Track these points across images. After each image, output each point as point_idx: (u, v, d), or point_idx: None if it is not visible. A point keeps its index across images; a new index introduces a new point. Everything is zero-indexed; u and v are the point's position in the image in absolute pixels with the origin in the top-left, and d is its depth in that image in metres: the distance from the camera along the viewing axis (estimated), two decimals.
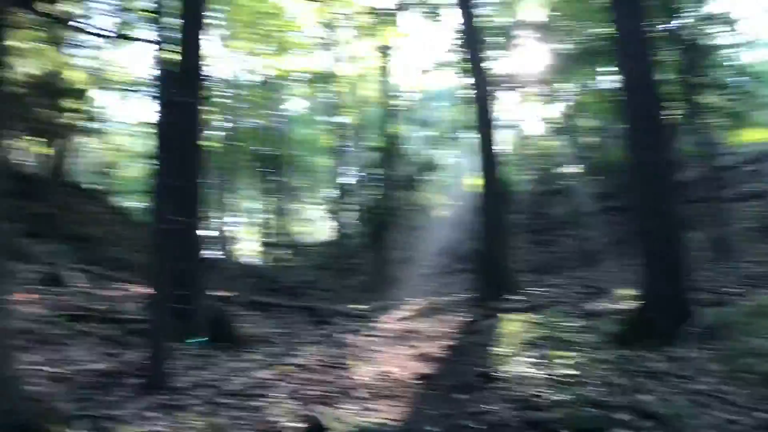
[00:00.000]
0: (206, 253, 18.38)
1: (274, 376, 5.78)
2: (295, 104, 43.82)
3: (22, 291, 8.17)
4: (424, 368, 6.46)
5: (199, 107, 7.91)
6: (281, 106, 34.66)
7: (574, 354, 5.85)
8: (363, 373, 6.12)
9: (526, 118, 28.04)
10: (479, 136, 12.36)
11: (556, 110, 27.18)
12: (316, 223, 50.06)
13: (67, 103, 16.52)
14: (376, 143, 26.03)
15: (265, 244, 28.22)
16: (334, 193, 21.57)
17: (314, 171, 39.76)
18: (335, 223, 21.77)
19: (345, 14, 24.91)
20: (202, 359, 6.35)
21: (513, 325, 7.77)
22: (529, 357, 6.03)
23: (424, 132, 40.10)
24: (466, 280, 21.78)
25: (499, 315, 9.19)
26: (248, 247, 45.96)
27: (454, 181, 35.94)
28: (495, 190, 12.01)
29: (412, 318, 11.49)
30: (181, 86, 7.58)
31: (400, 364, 6.72)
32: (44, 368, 5.09)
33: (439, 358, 6.88)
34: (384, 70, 22.43)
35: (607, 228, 21.64)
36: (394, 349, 7.60)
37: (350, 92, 32.69)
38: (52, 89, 15.24)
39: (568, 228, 24.36)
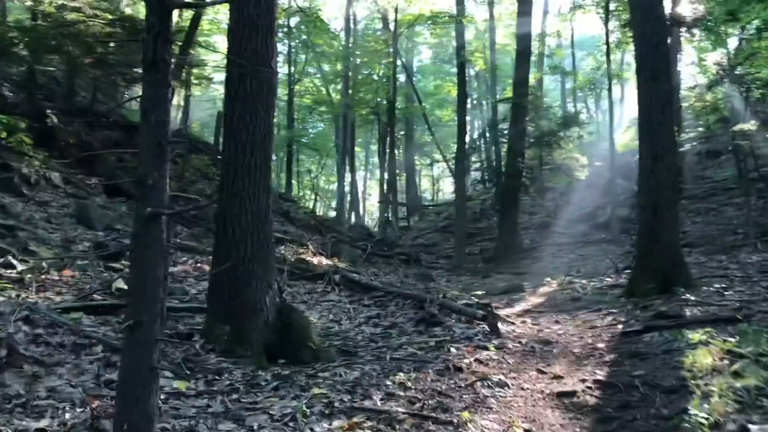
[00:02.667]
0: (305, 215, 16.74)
1: None
2: (420, 53, 41.70)
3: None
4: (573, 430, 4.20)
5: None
6: (405, 55, 32.51)
7: None
8: None
9: (685, 66, 24.29)
10: (644, 83, 9.55)
11: (723, 56, 23.17)
12: (439, 182, 47.98)
13: None
14: (509, 95, 23.28)
15: (384, 203, 26.29)
16: (461, 149, 19.12)
17: (439, 125, 37.49)
18: (460, 183, 19.40)
19: None
20: (242, 395, 4.39)
21: (702, 353, 5.24)
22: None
23: (565, 82, 36.64)
24: (607, 254, 18.95)
25: (669, 324, 6.64)
26: (365, 206, 44.80)
27: (597, 138, 32.37)
28: (663, 151, 9.21)
29: (547, 312, 9.11)
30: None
31: (532, 414, 4.47)
32: None
33: (593, 409, 4.55)
34: (521, 12, 19.46)
35: None
36: (523, 378, 5.34)
37: (482, 37, 29.87)
38: None
39: (736, 195, 20.67)
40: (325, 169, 44.29)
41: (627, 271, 14.00)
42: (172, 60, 3.36)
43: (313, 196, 47.32)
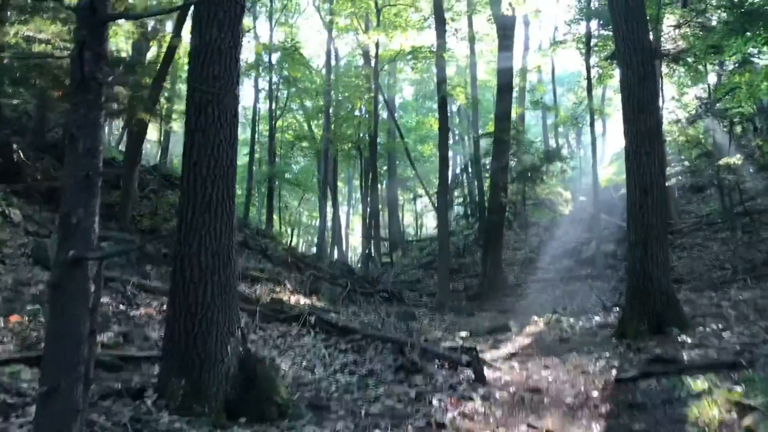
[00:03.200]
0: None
1: None
2: (401, 90, 41.73)
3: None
4: None
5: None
6: (387, 91, 32.40)
7: None
8: None
9: (667, 100, 24.27)
10: (630, 115, 9.27)
11: (703, 91, 23.21)
12: (422, 217, 47.60)
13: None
14: (491, 129, 23.08)
15: (366, 239, 25.81)
16: (443, 183, 18.71)
17: (421, 160, 37.25)
18: (443, 218, 18.96)
19: None
20: None
21: (707, 405, 4.78)
22: None
23: (546, 118, 36.65)
24: (593, 290, 18.55)
25: (667, 370, 6.19)
26: (349, 242, 44.28)
27: (579, 173, 32.28)
28: (652, 185, 8.87)
29: (535, 355, 8.62)
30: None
31: None
32: None
33: None
34: (502, 46, 19.34)
35: None
36: None
37: (463, 74, 29.85)
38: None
39: (720, 230, 20.45)
40: (308, 204, 43.84)
41: (615, 308, 13.58)
42: (106, 79, 2.92)
43: (296, 232, 46.80)
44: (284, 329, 8.94)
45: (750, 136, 20.29)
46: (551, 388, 6.32)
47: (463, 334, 9.94)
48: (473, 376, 6.40)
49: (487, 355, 8.49)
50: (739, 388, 4.99)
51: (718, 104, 18.86)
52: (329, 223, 31.50)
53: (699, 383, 5.37)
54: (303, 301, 13.29)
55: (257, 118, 31.69)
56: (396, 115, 34.21)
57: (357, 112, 29.65)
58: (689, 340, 7.47)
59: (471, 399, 5.64)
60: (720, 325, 8.27)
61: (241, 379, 4.94)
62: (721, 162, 15.13)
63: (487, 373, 6.69)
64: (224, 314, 4.97)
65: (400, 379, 6.32)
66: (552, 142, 34.93)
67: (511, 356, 8.69)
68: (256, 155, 33.18)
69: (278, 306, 10.73)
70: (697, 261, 18.89)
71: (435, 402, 5.45)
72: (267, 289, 13.09)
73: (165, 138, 27.12)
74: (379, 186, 33.49)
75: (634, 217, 9.07)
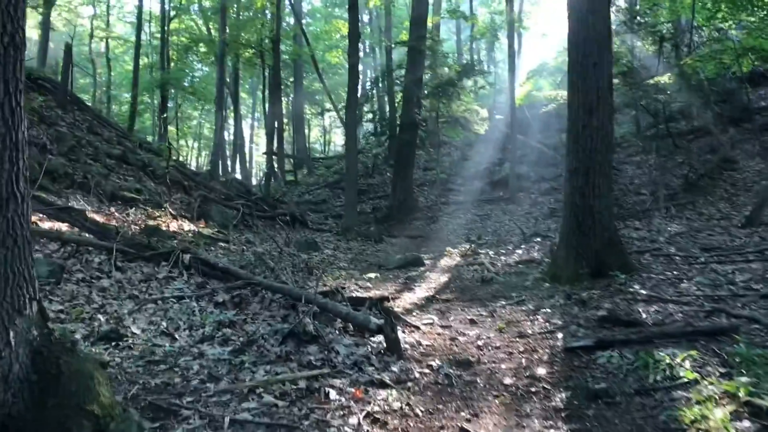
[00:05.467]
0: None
1: None
2: None
3: None
4: None
5: None
6: None
7: None
8: None
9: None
10: (576, 19, 7.76)
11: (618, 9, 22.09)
12: (330, 134, 45.49)
13: None
14: (404, 38, 21.17)
15: (269, 155, 23.73)
16: (352, 94, 16.76)
17: (330, 72, 34.90)
18: (351, 134, 17.15)
19: None
20: None
21: (703, 401, 3.50)
22: None
23: (461, 31, 34.90)
24: (506, 214, 17.60)
25: (628, 338, 4.92)
26: (253, 158, 41.84)
27: (492, 91, 31.02)
28: (599, 102, 7.47)
29: (456, 303, 7.24)
30: None
31: None
32: None
33: None
34: None
35: (694, 156, 16.96)
36: None
37: None
38: None
39: (633, 153, 19.77)
40: (210, 116, 40.86)
41: (536, 239, 12.54)
42: None
43: (196, 146, 43.78)
44: (150, 271, 7.13)
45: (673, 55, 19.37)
46: (484, 359, 4.93)
47: (372, 275, 8.46)
48: (385, 344, 4.91)
49: (400, 302, 7.08)
50: (744, 379, 3.70)
51: (644, 18, 17.75)
52: (232, 138, 29.06)
53: (680, 366, 4.08)
54: (187, 227, 11.41)
55: (146, 18, 28.38)
56: (303, 22, 31.51)
57: (259, 15, 26.84)
58: (643, 291, 6.24)
59: (383, 385, 4.14)
60: (672, 271, 7.14)
61: (35, 382, 3.19)
62: (651, 81, 14.04)
63: (402, 336, 5.23)
64: (5, 281, 3.16)
65: (288, 351, 4.72)
66: (465, 58, 33.32)
67: (428, 303, 7.28)
68: (147, 59, 29.96)
69: (151, 237, 8.84)
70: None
71: (333, 395, 3.91)
72: (143, 214, 11.08)
73: (44, 35, 23.43)
74: (284, 99, 31.11)
75: (575, 140, 7.68)
